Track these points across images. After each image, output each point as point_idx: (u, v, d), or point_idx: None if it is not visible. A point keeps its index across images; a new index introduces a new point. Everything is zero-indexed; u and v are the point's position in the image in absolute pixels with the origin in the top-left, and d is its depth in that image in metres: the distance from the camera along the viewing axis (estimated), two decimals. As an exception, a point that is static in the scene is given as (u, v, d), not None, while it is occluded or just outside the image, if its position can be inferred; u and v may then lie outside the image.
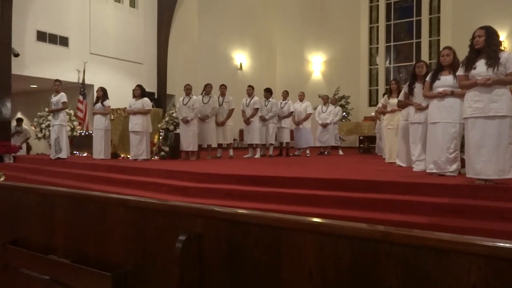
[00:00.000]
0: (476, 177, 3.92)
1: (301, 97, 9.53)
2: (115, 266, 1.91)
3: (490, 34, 3.95)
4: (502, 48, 4.04)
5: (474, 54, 4.02)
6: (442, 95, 4.60)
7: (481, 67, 3.92)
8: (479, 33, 3.96)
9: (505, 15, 11.67)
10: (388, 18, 14.58)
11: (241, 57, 15.00)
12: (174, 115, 8.22)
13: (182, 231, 1.64)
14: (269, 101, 8.80)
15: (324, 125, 9.74)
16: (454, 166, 4.58)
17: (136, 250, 1.88)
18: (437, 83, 4.71)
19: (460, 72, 4.14)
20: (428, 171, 4.77)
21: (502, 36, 11.52)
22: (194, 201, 4.20)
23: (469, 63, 4.02)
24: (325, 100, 10.05)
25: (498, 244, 1.06)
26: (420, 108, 5.18)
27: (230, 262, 1.57)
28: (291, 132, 9.51)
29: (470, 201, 3.68)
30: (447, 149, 4.58)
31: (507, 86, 3.95)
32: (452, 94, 4.55)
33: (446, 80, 4.66)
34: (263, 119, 8.70)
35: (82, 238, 2.12)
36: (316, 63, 15.65)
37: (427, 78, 4.88)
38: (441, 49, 5.21)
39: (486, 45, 3.91)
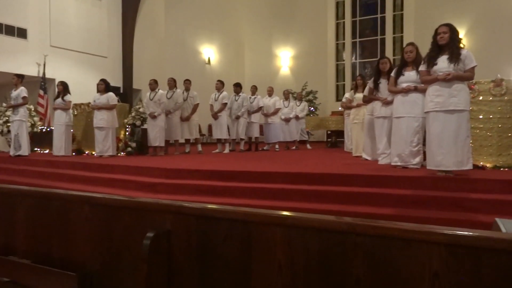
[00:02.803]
0: (437, 168, 4.09)
1: (270, 92, 9.57)
2: (80, 266, 1.85)
3: (454, 31, 4.11)
4: (462, 45, 4.20)
5: (436, 50, 4.16)
6: (406, 91, 4.75)
7: (442, 63, 4.08)
8: (443, 30, 4.10)
9: (464, 14, 12.18)
10: (354, 15, 14.87)
11: (209, 52, 14.86)
12: (140, 110, 8.05)
13: (150, 228, 1.61)
14: (240, 95, 8.78)
15: (287, 120, 9.82)
16: (417, 159, 4.75)
17: (103, 248, 1.83)
18: (401, 78, 4.85)
19: (422, 68, 4.29)
20: (392, 163, 4.92)
21: (461, 33, 12.02)
22: (163, 197, 4.15)
23: (431, 60, 4.16)
24: (286, 95, 10.13)
25: (457, 232, 1.11)
26: (387, 102, 5.32)
27: (200, 258, 1.56)
28: (260, 126, 9.54)
29: (432, 192, 3.84)
30: (410, 143, 4.74)
31: (465, 82, 4.12)
32: (416, 89, 4.71)
33: (410, 76, 4.81)
34: (236, 117, 8.66)
35: (45, 238, 2.05)
36: (284, 58, 15.75)
37: (392, 74, 5.02)
38: (404, 45, 5.37)
39: (450, 41, 4.06)
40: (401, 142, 4.80)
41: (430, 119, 4.13)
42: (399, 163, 4.82)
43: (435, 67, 4.10)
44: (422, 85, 4.52)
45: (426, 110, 4.18)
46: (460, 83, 4.03)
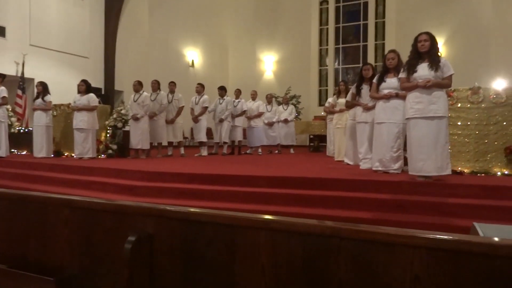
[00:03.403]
0: (417, 174, 4.17)
1: (254, 96, 9.58)
2: (58, 270, 1.81)
3: (433, 39, 4.21)
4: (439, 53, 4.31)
5: (416, 58, 4.25)
6: (387, 97, 4.84)
7: (422, 71, 4.17)
8: (425, 38, 4.19)
9: (443, 23, 12.50)
10: (337, 21, 15.07)
11: (193, 54, 14.80)
12: (122, 112, 7.93)
13: (132, 232, 1.59)
14: (224, 99, 8.76)
15: (270, 124, 9.85)
16: (397, 164, 4.84)
17: (82, 252, 1.79)
18: (383, 85, 4.94)
19: (402, 75, 4.37)
20: (374, 168, 4.99)
21: (440, 42, 12.33)
22: (143, 200, 4.09)
23: (411, 67, 4.25)
24: (269, 99, 10.15)
25: (438, 236, 1.13)
26: (367, 108, 5.40)
27: (183, 262, 1.54)
28: (244, 130, 9.53)
29: (412, 197, 3.90)
30: (391, 148, 4.82)
31: (444, 89, 4.23)
32: (397, 96, 4.80)
33: (391, 82, 4.90)
34: (220, 120, 8.65)
35: (21, 242, 1.99)
36: (268, 63, 15.82)
37: (374, 80, 5.10)
38: (386, 52, 5.48)
39: (431, 49, 4.16)
40: (382, 148, 4.88)
41: (410, 126, 4.21)
42: (380, 168, 4.89)
43: (415, 74, 4.19)
44: (403, 91, 4.60)
45: (407, 117, 4.26)
46: (439, 91, 4.13)
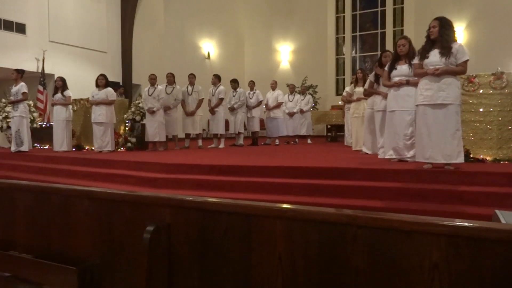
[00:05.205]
0: (425, 161, 4.10)
1: (273, 86, 9.54)
2: (80, 260, 1.85)
3: (444, 25, 4.07)
4: (456, 38, 4.16)
5: (429, 44, 4.15)
6: (398, 85, 4.75)
7: (433, 57, 4.06)
8: (433, 24, 4.09)
9: (464, 7, 12.11)
10: (354, 8, 14.79)
11: (209, 46, 14.80)
12: (140, 105, 8.03)
13: (151, 222, 1.61)
14: (237, 91, 8.78)
15: (291, 114, 9.80)
16: (411, 152, 4.74)
17: (103, 242, 1.84)
18: (394, 72, 4.85)
19: (416, 61, 4.29)
20: (387, 157, 4.93)
21: (461, 27, 11.96)
22: (163, 192, 4.15)
23: (424, 53, 4.16)
24: (292, 89, 10.09)
25: (457, 223, 1.11)
26: (387, 96, 5.30)
27: (200, 251, 1.56)
28: (261, 121, 9.53)
29: (432, 185, 3.84)
30: (404, 136, 4.75)
31: (456, 76, 4.09)
32: (408, 83, 4.71)
33: (402, 70, 4.81)
34: (231, 109, 8.69)
35: (45, 232, 2.05)
36: (284, 53, 15.70)
37: (386, 68, 5.02)
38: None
39: (439, 36, 4.05)
40: (395, 136, 4.82)
41: (419, 112, 4.15)
42: (394, 156, 4.84)
43: (426, 60, 4.10)
44: (415, 78, 4.51)
45: (416, 103, 4.19)
46: (451, 77, 4.01)
